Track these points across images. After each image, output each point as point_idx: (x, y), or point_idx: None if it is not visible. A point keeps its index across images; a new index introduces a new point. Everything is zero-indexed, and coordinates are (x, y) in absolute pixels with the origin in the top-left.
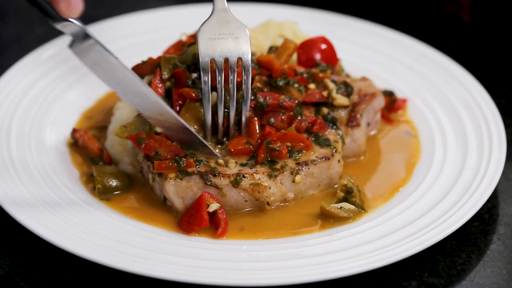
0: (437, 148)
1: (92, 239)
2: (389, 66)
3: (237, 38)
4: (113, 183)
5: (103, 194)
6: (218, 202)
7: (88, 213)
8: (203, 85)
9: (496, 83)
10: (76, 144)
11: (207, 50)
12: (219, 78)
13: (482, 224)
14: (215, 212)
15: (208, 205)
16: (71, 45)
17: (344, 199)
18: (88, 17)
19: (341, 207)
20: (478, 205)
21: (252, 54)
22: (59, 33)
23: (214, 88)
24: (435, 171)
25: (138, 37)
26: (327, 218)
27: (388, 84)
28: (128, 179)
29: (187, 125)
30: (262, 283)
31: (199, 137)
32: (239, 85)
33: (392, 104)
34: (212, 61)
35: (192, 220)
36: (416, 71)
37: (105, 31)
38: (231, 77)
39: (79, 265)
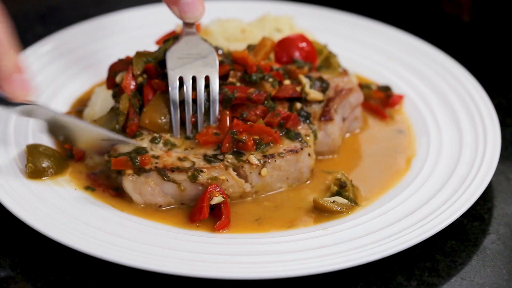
0: (432, 143)
1: (92, 233)
2: (386, 62)
3: (205, 57)
4: (45, 163)
5: (34, 174)
6: (224, 196)
7: (86, 208)
8: (171, 107)
9: (496, 83)
10: None
11: (176, 68)
12: (186, 92)
13: (482, 224)
14: (220, 205)
15: (212, 198)
16: (45, 130)
17: (338, 193)
18: (87, 16)
19: (334, 201)
20: (472, 199)
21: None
22: (56, 30)
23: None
24: (429, 166)
25: (137, 32)
26: (321, 212)
27: (385, 79)
28: (62, 159)
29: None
30: (255, 276)
31: (121, 137)
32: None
33: (387, 99)
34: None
35: (194, 211)
36: (413, 67)
37: (105, 26)
38: (199, 89)
39: (76, 259)
